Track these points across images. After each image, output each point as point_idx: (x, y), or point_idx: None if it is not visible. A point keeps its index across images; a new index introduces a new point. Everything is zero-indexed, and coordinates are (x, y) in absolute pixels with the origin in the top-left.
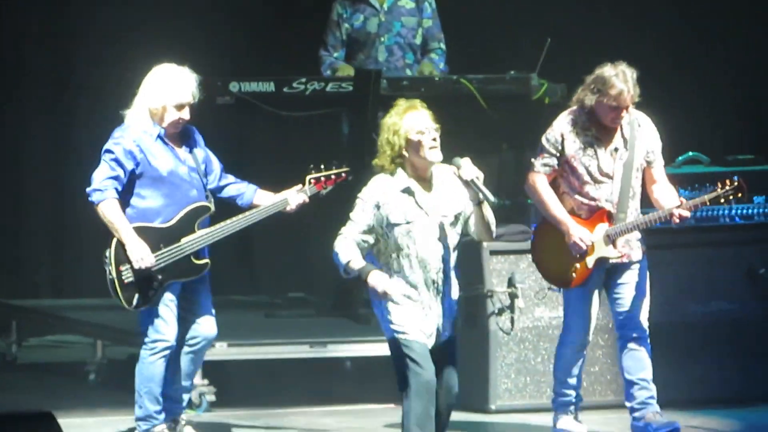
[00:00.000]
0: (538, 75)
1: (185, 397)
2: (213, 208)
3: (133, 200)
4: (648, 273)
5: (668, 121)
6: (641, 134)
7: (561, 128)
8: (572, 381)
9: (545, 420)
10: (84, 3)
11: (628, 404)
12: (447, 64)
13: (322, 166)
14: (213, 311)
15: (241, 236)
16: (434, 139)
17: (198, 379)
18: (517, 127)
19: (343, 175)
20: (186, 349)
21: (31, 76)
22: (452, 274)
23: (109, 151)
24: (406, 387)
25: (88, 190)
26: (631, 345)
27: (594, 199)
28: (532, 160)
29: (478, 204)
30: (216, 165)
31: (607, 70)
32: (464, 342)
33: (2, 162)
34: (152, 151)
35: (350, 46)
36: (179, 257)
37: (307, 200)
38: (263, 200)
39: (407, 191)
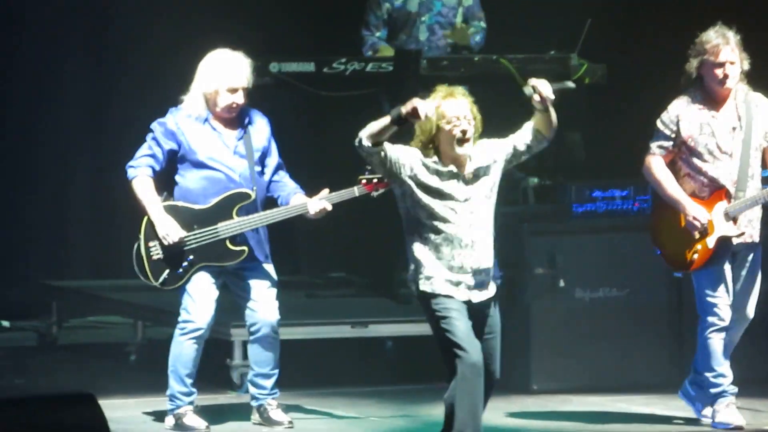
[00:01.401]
0: (578, 55)
1: (266, 383)
2: (254, 195)
3: (178, 179)
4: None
5: None
6: (759, 114)
7: (677, 110)
8: (720, 369)
9: (585, 401)
10: None
11: (707, 390)
12: (484, 40)
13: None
14: (272, 297)
15: None
16: (464, 131)
17: (238, 360)
18: (556, 107)
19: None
20: (251, 337)
21: (70, 56)
22: (488, 248)
23: (151, 129)
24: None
25: (126, 165)
26: (731, 334)
27: (713, 179)
28: (649, 142)
29: (547, 111)
30: (272, 160)
31: (705, 32)
32: (505, 322)
33: (43, 143)
34: (195, 134)
35: (391, 25)
36: (213, 240)
37: (329, 207)
38: (295, 202)
39: (437, 173)
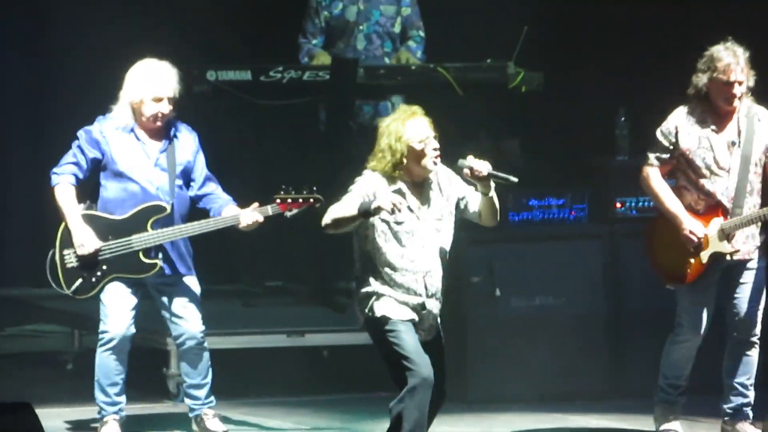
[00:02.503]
0: (515, 63)
1: (199, 393)
2: (169, 209)
3: (101, 189)
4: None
5: None
6: (761, 129)
7: (676, 121)
8: (678, 381)
9: (522, 409)
10: None
11: (723, 406)
12: (425, 53)
13: (292, 190)
14: (194, 309)
15: None
16: (435, 149)
17: (174, 369)
18: (494, 115)
19: (312, 200)
20: (178, 349)
21: (10, 71)
22: (442, 278)
23: (77, 137)
24: (403, 385)
25: (51, 171)
26: (741, 348)
27: (710, 194)
28: (647, 152)
29: (489, 195)
30: (199, 173)
31: (716, 48)
32: (443, 331)
33: None
34: (118, 143)
35: (329, 34)
36: (126, 252)
37: (261, 220)
38: (227, 214)
39: (399, 192)
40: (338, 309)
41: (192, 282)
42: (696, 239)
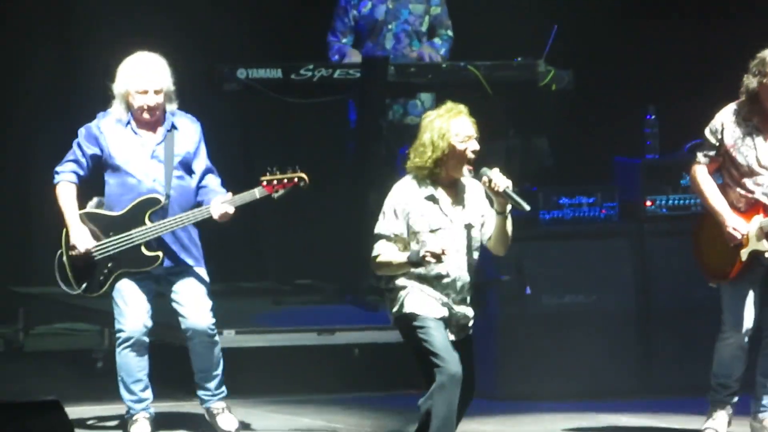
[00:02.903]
0: (545, 61)
1: (209, 384)
2: (164, 201)
3: (105, 185)
4: None
5: None
6: None
7: (722, 118)
8: (727, 380)
9: (552, 408)
10: None
11: (754, 403)
12: (450, 51)
13: (277, 171)
14: (201, 300)
15: (248, 223)
16: (475, 151)
17: None
18: (523, 114)
19: (296, 180)
20: (187, 342)
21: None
22: (471, 282)
23: (77, 134)
24: (432, 382)
25: (54, 170)
26: (738, 346)
27: (751, 191)
28: (696, 150)
29: (503, 215)
30: (199, 164)
31: (766, 51)
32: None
33: (12, 150)
34: (115, 138)
35: (358, 32)
36: (129, 247)
37: (230, 211)
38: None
39: (431, 199)
40: (368, 307)
41: (200, 273)
42: (738, 236)
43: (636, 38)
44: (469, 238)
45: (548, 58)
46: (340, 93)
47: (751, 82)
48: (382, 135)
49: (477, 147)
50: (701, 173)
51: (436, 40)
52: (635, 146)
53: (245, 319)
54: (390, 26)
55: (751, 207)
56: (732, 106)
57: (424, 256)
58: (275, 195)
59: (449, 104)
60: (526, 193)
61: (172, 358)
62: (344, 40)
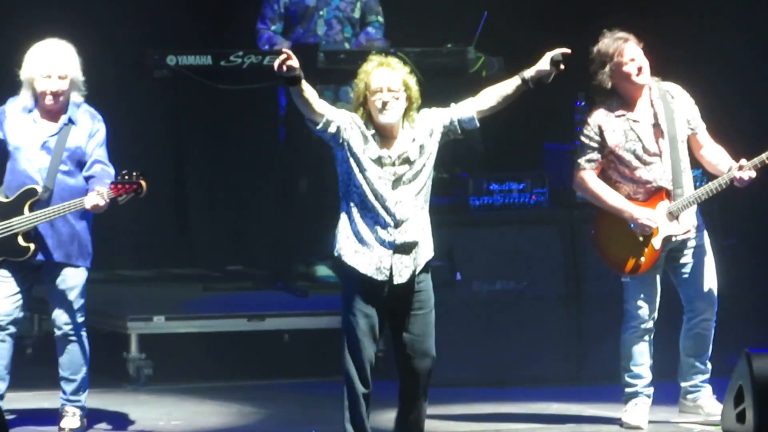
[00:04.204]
0: (475, 48)
1: (66, 387)
2: (40, 192)
3: (6, 171)
4: (713, 255)
5: None
6: (677, 105)
7: (597, 121)
8: (638, 370)
9: (482, 394)
10: None
11: (682, 384)
12: (385, 38)
13: (126, 175)
14: (68, 299)
15: (178, 210)
16: (384, 102)
17: (135, 353)
18: (454, 101)
19: (135, 186)
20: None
21: None
22: (419, 211)
23: None
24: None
25: None
26: (699, 327)
27: (648, 182)
28: (576, 159)
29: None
30: (90, 158)
31: (600, 43)
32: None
33: None
34: (15, 124)
35: (288, 19)
36: (7, 235)
37: (101, 203)
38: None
39: (373, 136)
40: (299, 293)
41: (71, 272)
42: (653, 224)
43: (566, 24)
44: (398, 181)
45: (478, 44)
46: (270, 80)
47: (603, 75)
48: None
49: (387, 98)
50: (590, 177)
51: (371, 30)
52: (565, 133)
53: (175, 306)
54: (321, 12)
55: (652, 195)
56: (601, 108)
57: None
58: (119, 199)
59: (375, 56)
60: (457, 180)
61: (109, 344)
62: (273, 27)
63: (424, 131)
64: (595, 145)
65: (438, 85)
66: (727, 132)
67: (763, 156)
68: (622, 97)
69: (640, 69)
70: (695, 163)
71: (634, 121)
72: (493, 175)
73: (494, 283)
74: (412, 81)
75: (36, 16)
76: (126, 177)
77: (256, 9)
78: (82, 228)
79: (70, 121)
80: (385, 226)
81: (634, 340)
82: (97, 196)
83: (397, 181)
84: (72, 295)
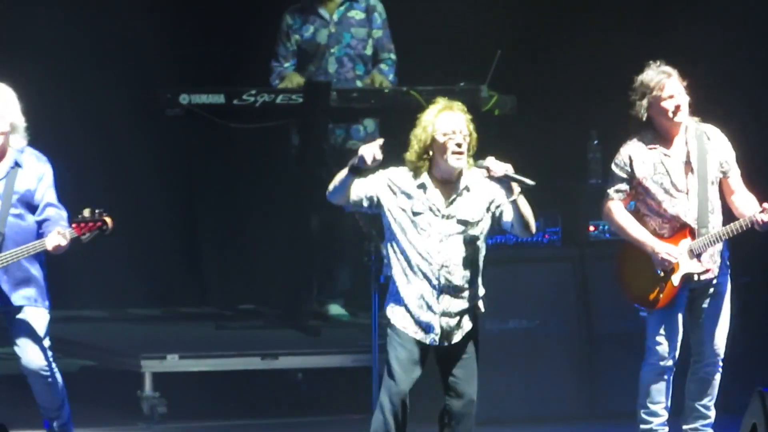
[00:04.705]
0: (488, 87)
1: (51, 425)
2: None
3: None
4: (730, 297)
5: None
6: (712, 147)
7: (628, 151)
8: (655, 407)
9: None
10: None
11: (684, 426)
12: (396, 75)
13: (87, 213)
14: (31, 341)
15: (190, 248)
16: (458, 145)
17: (149, 391)
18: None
19: (100, 223)
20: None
21: None
22: (465, 278)
23: None
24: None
25: None
26: (705, 372)
27: (673, 217)
28: (605, 188)
29: (514, 199)
30: (42, 201)
31: (642, 75)
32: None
33: None
34: None
35: (301, 57)
36: None
37: (62, 243)
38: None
39: (422, 187)
40: (310, 332)
41: (31, 313)
42: (673, 260)
43: (579, 63)
44: (458, 234)
45: (491, 83)
46: (283, 118)
47: (640, 107)
48: (323, 159)
49: (461, 142)
50: (617, 209)
51: (383, 66)
52: (578, 171)
53: (188, 344)
54: (332, 50)
55: (676, 232)
56: (634, 138)
57: (360, 157)
58: (83, 238)
59: (440, 99)
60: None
61: (124, 382)
62: (287, 65)
63: (483, 191)
64: (624, 175)
65: None
66: (761, 178)
67: None
68: (657, 131)
69: (678, 107)
70: (726, 208)
71: (666, 155)
72: None
73: (507, 321)
74: (472, 127)
75: (51, 54)
76: (88, 215)
77: (270, 47)
78: (36, 269)
79: (17, 164)
80: (432, 288)
81: (653, 378)
82: (59, 236)
83: (447, 237)
84: (39, 335)
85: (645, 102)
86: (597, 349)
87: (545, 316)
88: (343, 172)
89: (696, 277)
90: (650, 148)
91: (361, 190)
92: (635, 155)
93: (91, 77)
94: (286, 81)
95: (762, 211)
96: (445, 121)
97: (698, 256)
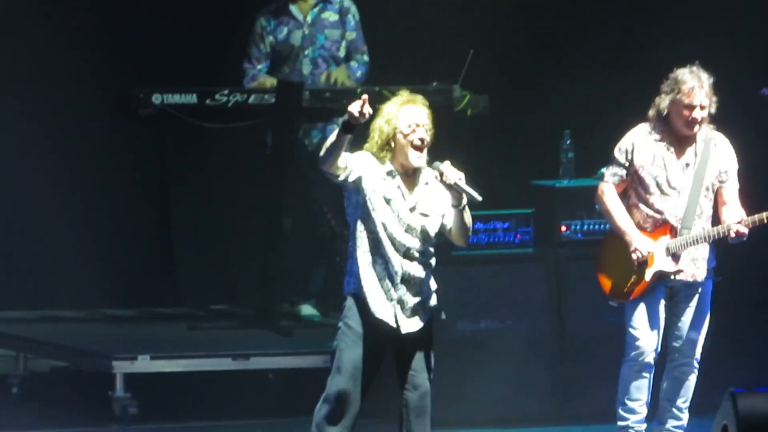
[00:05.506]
0: (461, 86)
1: None
2: None
3: None
4: (710, 298)
5: None
6: (716, 153)
7: (633, 137)
8: (633, 404)
9: None
10: None
11: (656, 426)
12: (366, 75)
13: None
14: None
15: (163, 248)
16: (422, 139)
17: (120, 392)
18: (439, 139)
19: None
20: None
21: None
22: (428, 266)
23: None
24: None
25: None
26: (680, 371)
27: (659, 212)
28: (603, 170)
29: (460, 208)
30: None
31: (681, 71)
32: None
33: None
34: None
35: (274, 59)
36: None
37: None
38: None
39: (390, 173)
40: (283, 332)
41: None
42: (642, 255)
43: (552, 63)
44: (419, 226)
45: (464, 83)
46: (256, 118)
47: (663, 101)
48: (295, 160)
49: (424, 135)
50: (609, 192)
51: (353, 63)
52: (551, 171)
53: (160, 345)
54: (306, 52)
55: (657, 227)
56: (644, 126)
57: (350, 113)
58: None
59: (403, 92)
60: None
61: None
62: (259, 66)
63: (440, 189)
64: (623, 161)
65: None
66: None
67: (763, 214)
68: (670, 126)
69: (695, 120)
70: (716, 216)
71: (669, 151)
72: (477, 214)
73: (479, 322)
74: (431, 121)
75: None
76: None
77: (243, 48)
78: None
79: None
80: (393, 275)
81: (632, 375)
82: None
83: (410, 228)
84: None
85: (668, 99)
86: (569, 350)
87: (517, 316)
88: (335, 133)
89: (672, 276)
90: (656, 139)
91: (347, 159)
92: (638, 143)
93: (65, 75)
94: (260, 85)
95: (739, 222)
96: (409, 114)
97: (674, 255)
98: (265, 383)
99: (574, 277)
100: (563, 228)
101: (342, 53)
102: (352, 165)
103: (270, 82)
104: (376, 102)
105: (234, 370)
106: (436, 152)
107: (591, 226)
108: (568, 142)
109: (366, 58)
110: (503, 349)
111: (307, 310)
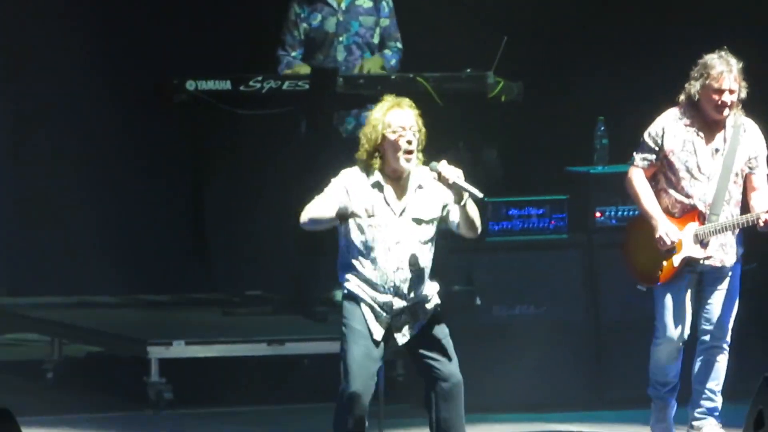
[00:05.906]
0: (494, 73)
1: None
2: None
3: None
4: (739, 282)
5: None
6: (746, 139)
7: (663, 122)
8: (665, 378)
9: (502, 419)
10: None
11: (691, 411)
12: (400, 62)
13: None
14: None
15: (197, 234)
16: (409, 142)
17: (155, 377)
18: (473, 125)
19: None
20: None
21: None
22: (420, 274)
23: None
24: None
25: None
26: (710, 354)
27: (688, 197)
28: (633, 153)
29: (462, 205)
30: None
31: (710, 56)
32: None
33: None
34: None
35: (308, 45)
36: None
37: None
38: None
39: (376, 185)
40: (317, 318)
41: None
42: (669, 242)
43: (586, 49)
44: (412, 232)
45: (497, 69)
46: (289, 104)
47: (692, 86)
48: (330, 146)
49: (411, 138)
50: (638, 176)
51: (387, 52)
52: (585, 157)
53: (195, 330)
54: (341, 38)
55: (686, 213)
56: (674, 111)
57: (353, 212)
58: None
59: (388, 97)
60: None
61: (131, 368)
62: (293, 54)
63: (436, 189)
64: (653, 146)
65: (457, 110)
66: None
67: None
68: (700, 112)
69: (724, 104)
70: (745, 203)
71: (699, 136)
72: (512, 200)
73: (514, 307)
74: (421, 122)
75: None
76: None
77: (277, 35)
78: None
79: None
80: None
81: (661, 357)
82: None
83: (400, 238)
84: None
85: (698, 84)
86: (604, 336)
87: (552, 302)
88: (329, 213)
89: (701, 262)
90: (686, 124)
91: (334, 206)
92: (668, 128)
93: (102, 62)
94: (294, 72)
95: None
96: (395, 118)
97: (702, 242)
98: (300, 368)
99: (608, 263)
100: (597, 214)
101: (376, 40)
102: (336, 207)
103: (304, 69)
104: (411, 89)
105: (269, 355)
106: (473, 139)
107: (625, 213)
108: (602, 128)
109: (400, 45)
110: (537, 335)
111: (341, 295)
